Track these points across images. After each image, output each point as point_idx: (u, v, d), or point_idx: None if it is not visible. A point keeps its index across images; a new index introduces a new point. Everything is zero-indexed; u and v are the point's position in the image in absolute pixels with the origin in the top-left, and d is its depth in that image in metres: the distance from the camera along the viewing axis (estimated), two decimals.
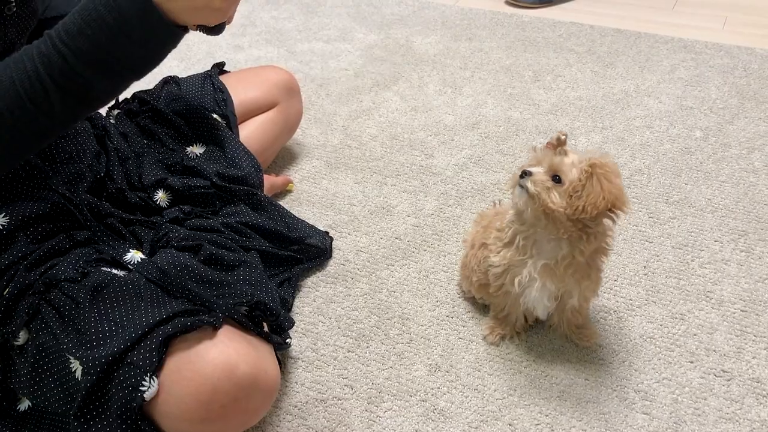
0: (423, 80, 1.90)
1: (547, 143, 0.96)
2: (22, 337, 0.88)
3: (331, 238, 1.32)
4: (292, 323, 1.08)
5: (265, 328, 0.97)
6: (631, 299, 1.20)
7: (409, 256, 1.31)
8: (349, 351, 1.12)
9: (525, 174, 0.93)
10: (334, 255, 1.31)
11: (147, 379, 0.81)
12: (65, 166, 1.04)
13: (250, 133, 1.39)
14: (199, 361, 0.83)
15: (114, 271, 0.96)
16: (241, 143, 1.31)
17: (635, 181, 1.48)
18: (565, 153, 0.94)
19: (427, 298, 1.21)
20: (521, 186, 0.94)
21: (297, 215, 1.31)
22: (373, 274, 1.27)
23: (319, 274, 1.27)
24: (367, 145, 1.63)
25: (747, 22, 2.16)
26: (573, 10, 2.31)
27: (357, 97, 1.83)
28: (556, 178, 0.92)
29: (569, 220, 0.93)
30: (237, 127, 1.35)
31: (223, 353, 0.84)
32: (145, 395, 0.81)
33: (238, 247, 1.11)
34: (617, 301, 1.19)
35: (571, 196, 0.91)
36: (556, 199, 0.91)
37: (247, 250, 1.13)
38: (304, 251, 1.26)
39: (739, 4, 2.29)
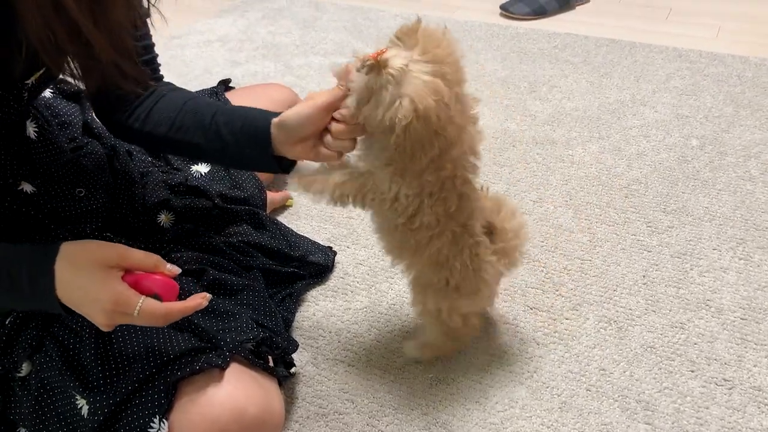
0: None
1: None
2: (25, 368, 0.88)
3: (335, 253, 1.32)
4: (296, 346, 1.08)
5: (271, 360, 0.97)
6: (630, 309, 1.20)
7: None
8: (349, 365, 1.12)
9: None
10: (334, 269, 1.31)
11: (156, 420, 0.81)
12: (76, 203, 1.02)
13: None
14: (207, 404, 0.83)
15: None
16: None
17: (633, 191, 1.48)
18: (386, 69, 0.76)
19: None
20: None
21: (296, 230, 1.31)
22: (373, 287, 1.27)
23: (319, 288, 1.27)
24: None
25: (740, 31, 2.18)
26: (567, 21, 2.32)
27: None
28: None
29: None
30: None
31: (231, 396, 0.84)
32: None
33: (240, 270, 1.11)
34: (617, 311, 1.19)
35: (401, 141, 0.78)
36: (374, 126, 0.81)
37: (249, 269, 1.13)
38: (306, 268, 1.26)
39: (732, 13, 2.31)
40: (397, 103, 0.75)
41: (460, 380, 1.09)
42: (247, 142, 0.93)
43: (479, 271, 0.95)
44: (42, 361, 0.87)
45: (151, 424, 0.81)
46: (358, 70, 0.79)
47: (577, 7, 2.43)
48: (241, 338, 0.93)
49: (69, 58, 0.82)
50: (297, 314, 1.21)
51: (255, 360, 0.91)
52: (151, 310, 0.77)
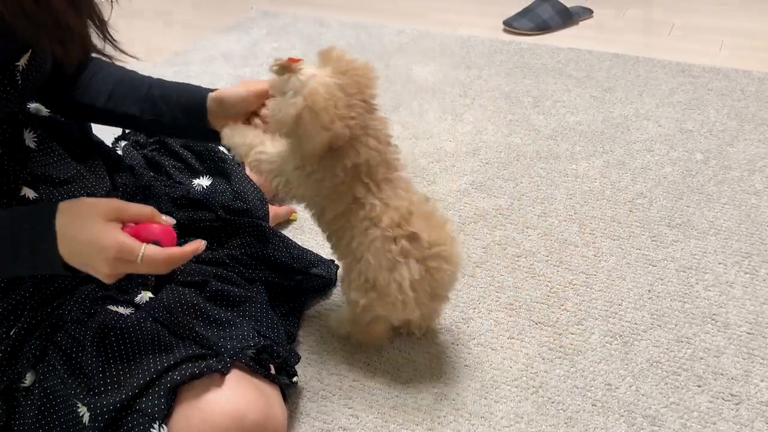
0: (423, 108, 1.91)
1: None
2: (29, 378, 0.88)
3: (337, 267, 1.32)
4: (298, 358, 1.07)
5: (272, 368, 0.97)
6: (636, 323, 1.19)
7: None
8: (354, 380, 1.12)
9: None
10: (338, 283, 1.31)
11: (156, 426, 0.81)
12: None
13: None
14: (208, 409, 0.83)
15: (120, 309, 0.95)
16: (247, 175, 1.32)
17: (637, 205, 1.48)
18: (293, 72, 0.91)
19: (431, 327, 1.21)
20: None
21: (301, 243, 1.31)
22: None
23: (323, 302, 1.27)
24: None
25: (743, 45, 2.19)
26: (571, 36, 2.34)
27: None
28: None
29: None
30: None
31: (232, 401, 0.84)
32: None
33: (243, 282, 1.11)
34: (622, 326, 1.19)
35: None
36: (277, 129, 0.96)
37: (252, 282, 1.13)
38: (309, 281, 1.25)
39: (735, 28, 2.32)
40: (294, 99, 0.88)
41: (465, 395, 1.08)
42: (182, 113, 1.05)
43: (392, 271, 0.97)
44: (45, 371, 0.87)
45: (151, 430, 0.80)
46: (271, 70, 0.92)
47: (580, 22, 2.44)
48: (242, 345, 0.93)
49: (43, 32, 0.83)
50: (301, 330, 1.21)
51: (255, 367, 0.91)
52: (154, 255, 0.79)
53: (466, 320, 1.22)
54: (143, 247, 0.78)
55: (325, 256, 1.31)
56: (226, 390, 0.85)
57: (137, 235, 0.80)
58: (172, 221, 0.85)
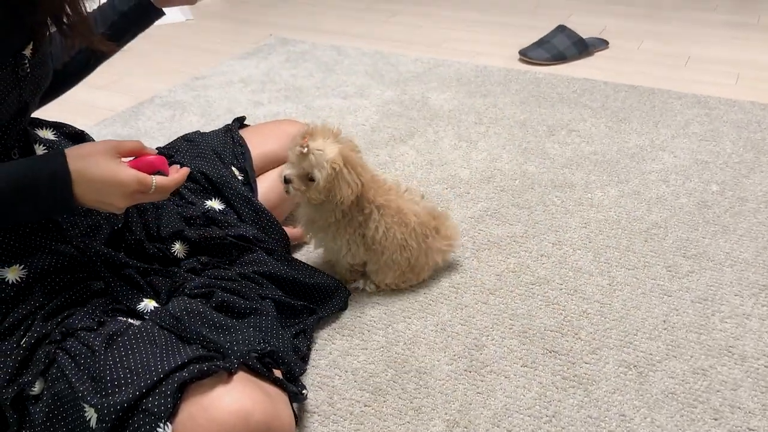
0: (438, 135, 1.92)
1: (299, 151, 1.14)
2: (38, 386, 0.89)
3: (349, 293, 1.32)
4: (303, 369, 1.09)
5: (280, 374, 0.97)
6: (651, 353, 1.18)
7: (425, 308, 1.30)
8: (365, 405, 1.11)
9: (286, 181, 1.17)
10: (349, 307, 1.31)
11: (161, 425, 0.81)
12: (83, 218, 1.06)
13: (269, 185, 1.40)
14: (214, 408, 0.83)
15: (129, 320, 0.97)
16: (260, 204, 1.32)
17: (652, 235, 1.47)
18: (311, 152, 1.12)
19: (445, 352, 1.20)
20: (286, 190, 1.18)
21: (313, 266, 1.31)
22: (390, 327, 1.26)
23: (334, 326, 1.27)
24: None
25: (759, 78, 2.19)
26: (586, 67, 2.35)
27: (374, 151, 1.85)
28: (311, 178, 1.14)
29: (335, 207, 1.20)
30: (255, 181, 1.37)
31: (238, 401, 0.84)
32: None
33: (252, 295, 1.12)
34: (637, 356, 1.18)
35: (328, 191, 1.16)
36: (315, 196, 1.17)
37: (262, 299, 1.13)
38: (319, 301, 1.25)
39: (751, 61, 2.32)
40: (325, 164, 1.13)
41: (478, 423, 1.07)
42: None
43: (427, 256, 1.33)
44: (54, 377, 0.88)
45: (157, 429, 0.80)
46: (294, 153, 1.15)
47: (596, 54, 2.46)
48: (247, 348, 0.95)
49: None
50: (312, 353, 1.21)
51: (261, 369, 0.92)
52: (164, 183, 0.92)
53: (480, 347, 1.21)
54: (154, 179, 0.91)
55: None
56: (231, 390, 0.86)
57: (140, 168, 0.91)
58: (155, 151, 0.95)
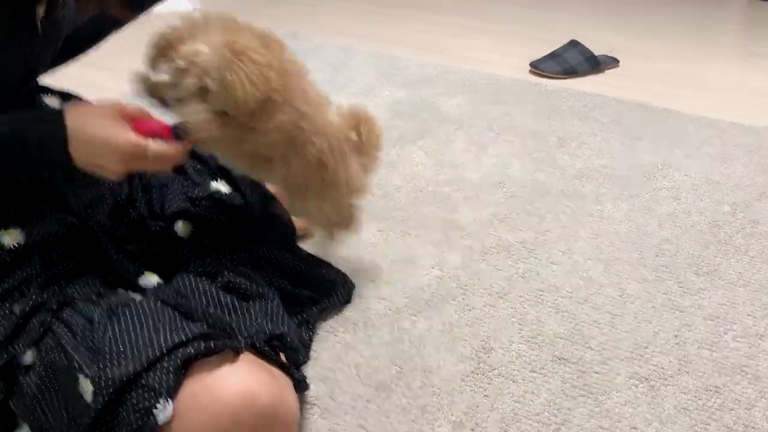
0: (449, 137, 1.89)
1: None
2: (30, 356, 0.84)
3: (353, 285, 1.28)
4: (306, 357, 1.07)
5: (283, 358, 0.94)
6: (663, 368, 1.15)
7: (432, 307, 1.26)
8: (368, 401, 1.07)
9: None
10: (354, 301, 1.27)
11: (161, 402, 0.76)
12: (87, 188, 1.02)
13: None
14: (218, 388, 0.79)
15: (131, 293, 0.93)
16: (268, 190, 1.28)
17: (663, 250, 1.45)
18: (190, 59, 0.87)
19: (451, 353, 1.16)
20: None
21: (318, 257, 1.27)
22: (395, 324, 1.22)
23: (338, 318, 1.23)
24: (391, 195, 1.61)
25: None
26: (597, 83, 2.33)
27: (383, 150, 1.82)
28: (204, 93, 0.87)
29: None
30: None
31: (244, 381, 0.80)
32: (158, 418, 0.76)
33: (257, 279, 1.08)
34: (649, 369, 1.14)
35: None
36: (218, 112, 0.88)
37: (268, 285, 1.09)
38: (323, 290, 1.22)
39: (763, 87, 2.32)
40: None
41: (485, 426, 1.03)
42: None
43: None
44: (48, 346, 0.83)
45: (157, 405, 0.76)
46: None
47: (607, 71, 2.45)
48: (255, 329, 0.91)
49: None
50: (315, 344, 1.17)
51: (268, 352, 0.88)
52: (163, 151, 0.85)
53: (487, 350, 1.17)
54: (152, 144, 0.84)
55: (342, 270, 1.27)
56: (237, 369, 0.81)
57: (141, 132, 0.85)
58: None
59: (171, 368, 0.79)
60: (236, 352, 0.84)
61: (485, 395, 1.08)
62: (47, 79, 1.04)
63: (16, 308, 0.86)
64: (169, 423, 0.77)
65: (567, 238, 1.48)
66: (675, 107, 2.12)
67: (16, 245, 0.89)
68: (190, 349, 0.80)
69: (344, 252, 1.40)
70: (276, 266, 1.16)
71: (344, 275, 1.28)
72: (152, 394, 0.77)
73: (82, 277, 0.91)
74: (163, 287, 0.95)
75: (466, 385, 1.10)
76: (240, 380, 0.80)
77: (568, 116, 2.05)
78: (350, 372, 1.12)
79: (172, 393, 0.78)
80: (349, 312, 1.25)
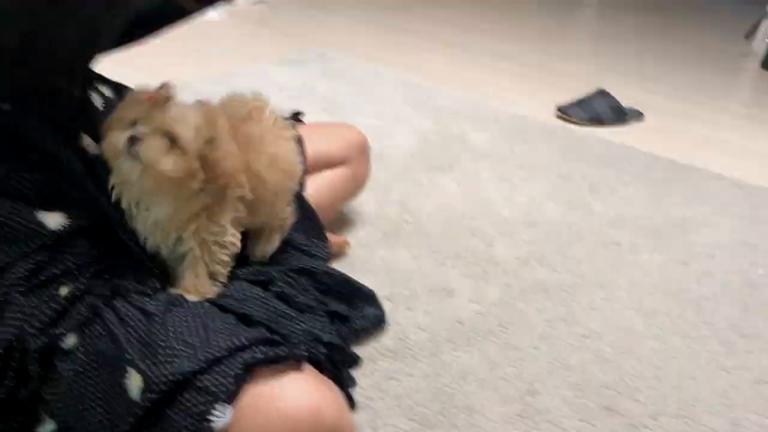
0: (478, 171, 1.86)
1: (147, 96, 0.81)
2: (72, 340, 0.76)
3: (382, 308, 1.21)
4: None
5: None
6: (714, 429, 1.10)
7: (473, 343, 1.21)
8: None
9: (133, 140, 0.78)
10: (391, 328, 1.21)
11: (219, 407, 0.69)
12: None
13: (319, 187, 1.32)
14: (282, 400, 0.72)
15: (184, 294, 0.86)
16: (309, 204, 1.23)
17: (703, 307, 1.41)
18: (171, 107, 0.81)
19: (495, 392, 1.10)
20: (131, 155, 0.79)
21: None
22: (435, 356, 1.16)
23: (376, 345, 1.17)
24: (423, 223, 1.56)
25: None
26: (623, 133, 2.32)
27: (412, 176, 1.78)
28: (171, 139, 0.79)
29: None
30: (305, 182, 1.27)
31: (309, 394, 0.74)
32: (214, 426, 0.68)
33: (306, 292, 1.02)
34: (700, 430, 1.09)
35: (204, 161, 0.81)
36: (177, 165, 0.79)
37: (317, 301, 1.03)
38: (359, 314, 1.15)
39: None
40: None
41: None
42: None
43: None
44: (97, 333, 0.76)
45: (213, 411, 0.69)
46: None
47: (632, 123, 2.44)
48: (312, 339, 0.86)
49: None
50: (352, 371, 1.10)
51: (330, 367, 0.83)
52: None
53: (533, 393, 1.11)
54: None
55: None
56: (303, 382, 0.75)
57: None
58: None
59: (231, 372, 0.72)
60: (298, 362, 0.77)
61: None
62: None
63: (63, 290, 0.79)
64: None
65: (605, 285, 1.43)
66: (700, 165, 2.11)
67: (61, 228, 0.82)
68: (255, 353, 0.73)
69: (379, 276, 1.34)
70: (312, 279, 1.10)
71: (374, 295, 1.21)
72: (209, 398, 0.70)
73: (135, 271, 0.84)
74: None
75: (514, 429, 1.04)
76: (305, 393, 0.73)
77: (597, 163, 2.03)
78: (390, 402, 1.05)
79: (231, 399, 0.71)
80: (387, 339, 1.19)
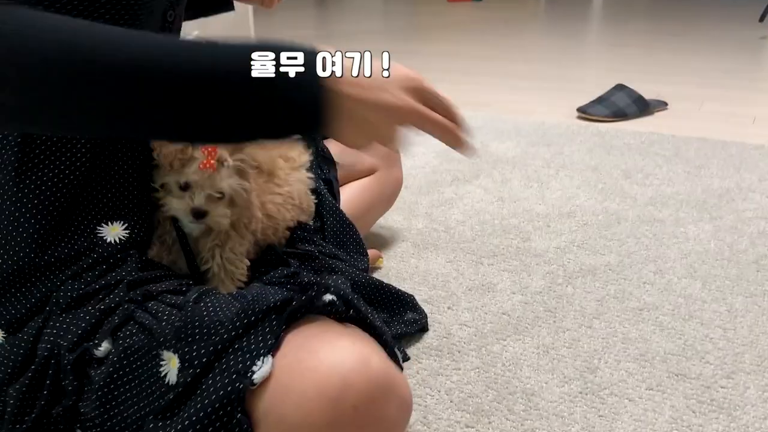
0: (505, 176, 1.81)
1: (201, 165, 0.81)
2: (105, 347, 0.72)
3: (424, 312, 1.16)
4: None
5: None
6: None
7: (521, 331, 1.14)
8: (467, 426, 0.93)
9: (198, 214, 0.82)
10: (433, 328, 1.15)
11: (260, 361, 0.64)
12: None
13: (349, 197, 1.29)
14: (325, 350, 0.65)
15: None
16: (347, 217, 1.20)
17: (764, 266, 1.32)
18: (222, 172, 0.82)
19: (553, 374, 1.03)
20: (197, 222, 0.83)
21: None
22: (483, 348, 1.10)
23: (419, 345, 1.11)
24: (454, 229, 1.51)
25: None
26: (648, 123, 2.26)
27: (438, 190, 1.74)
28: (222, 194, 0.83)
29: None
30: (339, 193, 1.25)
31: (354, 343, 0.66)
32: (254, 377, 0.63)
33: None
34: None
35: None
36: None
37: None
38: (394, 310, 1.10)
39: None
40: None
41: None
42: None
43: None
44: (130, 332, 0.72)
45: (254, 366, 0.63)
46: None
47: (656, 113, 2.38)
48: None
49: None
50: None
51: (380, 327, 0.76)
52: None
53: (592, 370, 1.04)
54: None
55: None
56: (344, 333, 0.69)
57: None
58: None
59: (268, 328, 0.67)
60: (340, 316, 0.72)
61: (600, 415, 0.94)
62: None
63: (101, 305, 0.75)
64: (265, 384, 0.64)
65: (654, 260, 1.35)
66: (734, 139, 2.03)
67: (119, 240, 0.80)
68: (295, 302, 0.68)
69: (415, 282, 1.29)
70: (355, 289, 1.06)
71: (414, 299, 1.16)
72: (248, 356, 0.65)
73: (169, 278, 0.81)
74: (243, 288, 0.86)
75: (577, 407, 0.96)
76: (350, 342, 0.67)
77: (627, 152, 1.96)
78: (441, 397, 0.99)
79: (271, 350, 0.66)
80: (429, 339, 1.13)
